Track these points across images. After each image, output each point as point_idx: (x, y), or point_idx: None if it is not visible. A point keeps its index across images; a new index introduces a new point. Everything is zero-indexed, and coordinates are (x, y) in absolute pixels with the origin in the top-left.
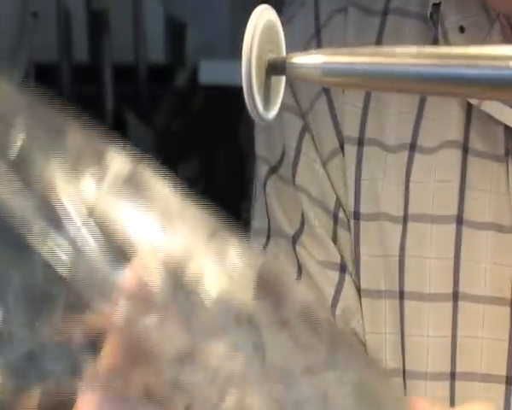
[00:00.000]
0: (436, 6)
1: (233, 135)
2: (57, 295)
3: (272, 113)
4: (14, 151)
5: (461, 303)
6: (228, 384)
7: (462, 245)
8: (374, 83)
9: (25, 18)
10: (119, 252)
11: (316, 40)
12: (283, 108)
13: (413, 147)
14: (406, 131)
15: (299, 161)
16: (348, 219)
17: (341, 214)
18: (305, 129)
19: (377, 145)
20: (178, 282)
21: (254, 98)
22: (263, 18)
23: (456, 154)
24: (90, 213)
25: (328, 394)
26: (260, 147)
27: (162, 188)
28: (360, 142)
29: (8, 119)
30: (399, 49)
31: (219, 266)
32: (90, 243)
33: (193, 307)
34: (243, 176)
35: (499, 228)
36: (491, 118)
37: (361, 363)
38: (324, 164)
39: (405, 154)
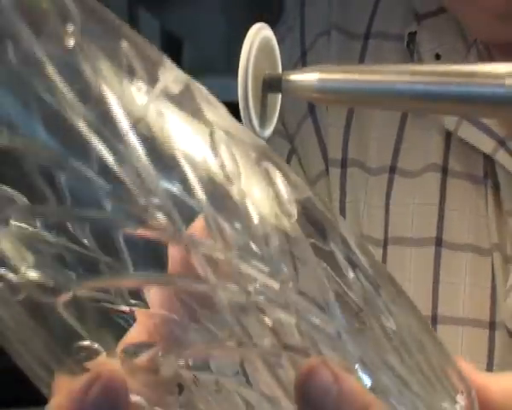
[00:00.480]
0: (412, 35)
1: None
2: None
3: (268, 130)
4: (69, 42)
5: (440, 326)
6: (264, 309)
7: (441, 267)
8: (370, 100)
9: None
10: (166, 163)
11: (301, 63)
12: None
13: (393, 170)
14: (387, 153)
15: None
16: None
17: None
18: (293, 152)
19: (359, 167)
20: (223, 203)
21: (251, 115)
22: (259, 36)
23: (436, 176)
24: (139, 120)
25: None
26: None
27: (214, 106)
28: (343, 164)
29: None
30: (395, 67)
31: (265, 191)
32: (138, 150)
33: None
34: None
35: (478, 250)
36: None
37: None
38: (311, 186)
39: (386, 176)
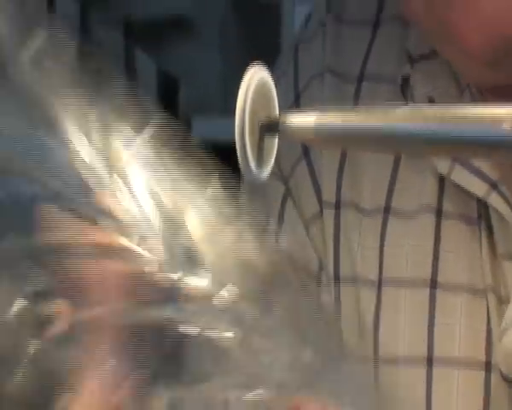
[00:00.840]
0: (406, 77)
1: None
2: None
3: (265, 171)
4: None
5: (435, 367)
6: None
7: (437, 308)
8: (369, 143)
9: None
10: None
11: (295, 106)
12: None
13: (387, 210)
14: (381, 195)
15: (281, 225)
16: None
17: (324, 278)
18: (288, 194)
19: (353, 208)
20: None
21: (247, 157)
22: (256, 77)
23: (430, 218)
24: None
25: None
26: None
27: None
28: (337, 205)
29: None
30: (394, 109)
31: (229, 249)
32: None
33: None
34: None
35: (472, 291)
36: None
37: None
38: (306, 228)
39: (380, 217)
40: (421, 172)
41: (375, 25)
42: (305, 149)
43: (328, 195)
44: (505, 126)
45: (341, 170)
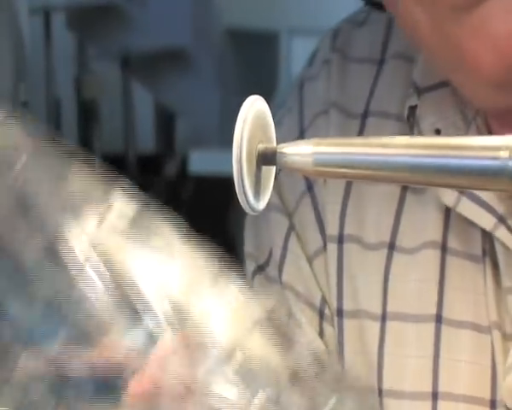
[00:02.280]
0: (412, 108)
1: (222, 225)
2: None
3: (262, 203)
4: (16, 192)
5: (440, 402)
6: None
7: (442, 344)
8: (365, 173)
9: (15, 107)
10: (122, 293)
11: None
12: (270, 207)
13: (392, 246)
14: (385, 229)
15: (285, 259)
16: (333, 316)
17: (327, 311)
18: (292, 228)
19: (357, 242)
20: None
21: (245, 189)
22: (253, 108)
23: (435, 254)
24: (93, 252)
25: None
26: (248, 244)
27: (166, 232)
28: (340, 239)
29: (10, 158)
30: (390, 140)
31: (224, 310)
32: (95, 283)
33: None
34: (231, 267)
35: (477, 328)
36: (468, 219)
37: None
38: (310, 262)
39: (384, 252)
40: (426, 207)
41: (380, 62)
42: (309, 184)
43: (332, 229)
44: (503, 155)
45: (345, 204)
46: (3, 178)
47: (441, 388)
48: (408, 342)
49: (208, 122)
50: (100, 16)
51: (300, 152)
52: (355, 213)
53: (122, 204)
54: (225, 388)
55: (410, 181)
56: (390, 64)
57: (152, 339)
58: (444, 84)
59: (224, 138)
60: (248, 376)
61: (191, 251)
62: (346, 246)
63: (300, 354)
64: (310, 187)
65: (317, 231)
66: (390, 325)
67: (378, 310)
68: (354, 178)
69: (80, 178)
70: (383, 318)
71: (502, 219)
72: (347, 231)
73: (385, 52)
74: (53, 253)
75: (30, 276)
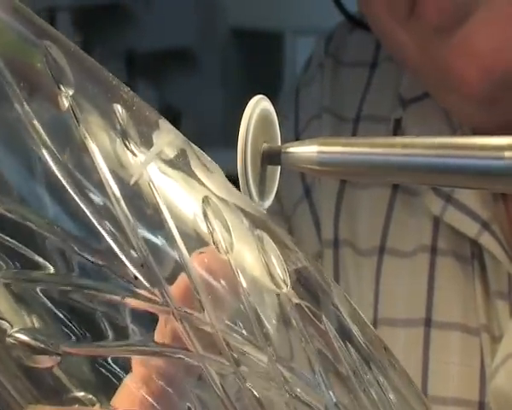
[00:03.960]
0: (398, 121)
1: None
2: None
3: (268, 201)
4: (63, 104)
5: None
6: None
7: (431, 347)
8: (371, 172)
9: None
10: (154, 225)
11: None
12: (268, 211)
13: (382, 251)
14: (376, 235)
15: None
16: None
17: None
18: (289, 232)
19: (350, 247)
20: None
21: (250, 188)
22: (258, 107)
23: (425, 257)
24: (130, 184)
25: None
26: None
27: (211, 171)
28: (336, 244)
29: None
30: (395, 139)
31: (257, 260)
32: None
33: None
34: None
35: (466, 329)
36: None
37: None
38: None
39: (375, 258)
40: (416, 213)
41: (373, 65)
42: (306, 188)
43: (327, 233)
44: (507, 155)
45: (338, 209)
46: None
47: (430, 391)
48: (397, 347)
49: (213, 121)
50: (105, 16)
51: (305, 151)
52: (348, 218)
53: (172, 134)
54: None
55: (415, 181)
56: (382, 67)
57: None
58: (428, 94)
59: (229, 138)
60: None
61: (234, 191)
62: (342, 251)
63: None
64: (307, 192)
65: (315, 235)
66: (380, 330)
67: (370, 316)
68: (359, 177)
69: (131, 102)
70: (374, 323)
71: (485, 225)
72: (342, 235)
73: (377, 55)
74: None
75: None
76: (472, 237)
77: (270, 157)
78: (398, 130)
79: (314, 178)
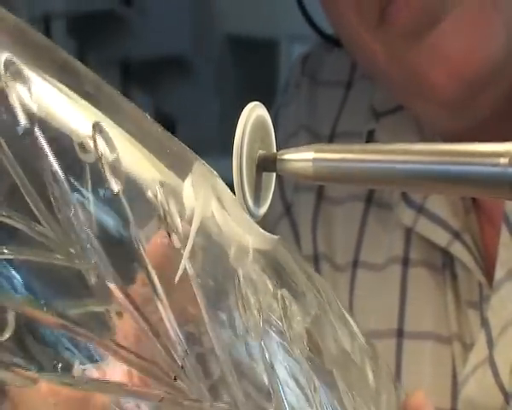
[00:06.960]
0: (371, 132)
1: None
2: None
3: (263, 209)
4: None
5: None
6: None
7: (403, 358)
8: (366, 179)
9: None
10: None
11: None
12: None
13: (355, 265)
14: (350, 249)
15: None
16: None
17: None
18: None
19: (328, 262)
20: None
21: (245, 195)
22: (254, 114)
23: (397, 268)
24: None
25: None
26: None
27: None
28: (315, 258)
29: None
30: (392, 146)
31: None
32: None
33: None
34: None
35: (438, 338)
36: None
37: None
38: None
39: (349, 272)
40: (389, 226)
41: (348, 85)
42: (286, 205)
43: (307, 249)
44: (503, 161)
45: (315, 225)
46: None
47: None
48: None
49: (208, 129)
50: (100, 23)
51: (301, 158)
52: (325, 234)
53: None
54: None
55: (411, 188)
56: (357, 86)
57: None
58: (401, 107)
59: (224, 144)
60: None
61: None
62: (321, 265)
63: None
64: (288, 209)
65: (296, 251)
66: None
67: None
68: (355, 183)
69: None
70: None
71: (457, 235)
72: (319, 250)
73: (353, 74)
74: None
75: None
76: (443, 246)
77: (266, 164)
78: (371, 142)
79: (293, 195)
